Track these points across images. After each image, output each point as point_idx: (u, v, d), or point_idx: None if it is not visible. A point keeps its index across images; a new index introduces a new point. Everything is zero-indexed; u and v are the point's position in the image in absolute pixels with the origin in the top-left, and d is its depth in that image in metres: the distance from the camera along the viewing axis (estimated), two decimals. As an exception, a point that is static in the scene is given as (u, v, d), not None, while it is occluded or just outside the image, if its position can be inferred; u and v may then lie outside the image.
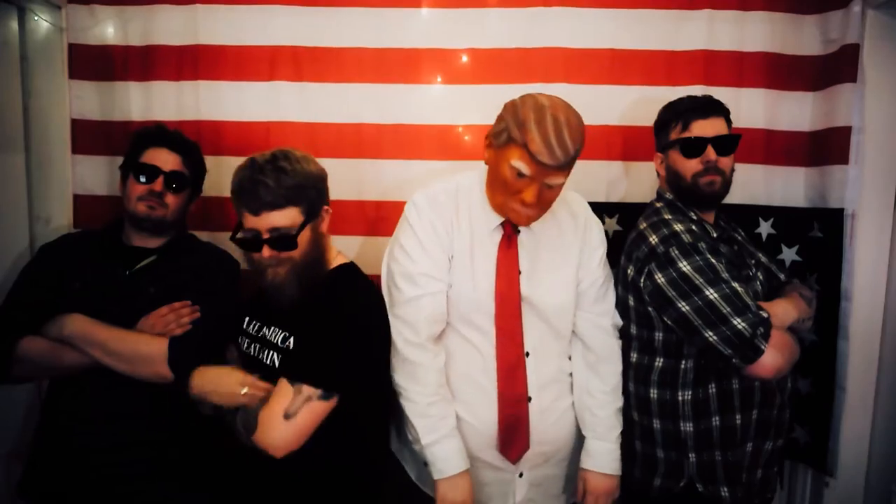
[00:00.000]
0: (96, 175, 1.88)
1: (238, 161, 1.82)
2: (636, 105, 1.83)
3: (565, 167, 1.30)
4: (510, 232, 1.44)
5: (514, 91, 1.77)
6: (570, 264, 1.50)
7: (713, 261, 1.40)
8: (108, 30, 1.85)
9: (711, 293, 1.36)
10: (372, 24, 1.83)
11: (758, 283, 1.53)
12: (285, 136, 1.85)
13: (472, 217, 1.45)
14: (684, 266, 1.40)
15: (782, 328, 1.42)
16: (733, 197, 1.84)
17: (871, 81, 1.75)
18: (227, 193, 1.83)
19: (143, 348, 1.42)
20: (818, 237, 1.80)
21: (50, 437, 1.49)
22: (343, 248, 1.85)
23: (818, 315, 1.79)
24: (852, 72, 1.74)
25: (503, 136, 1.32)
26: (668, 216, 1.52)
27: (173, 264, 1.57)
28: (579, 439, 1.53)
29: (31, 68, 1.83)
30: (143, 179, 1.53)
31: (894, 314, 1.81)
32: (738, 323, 1.34)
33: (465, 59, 1.84)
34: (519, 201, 1.32)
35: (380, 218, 1.86)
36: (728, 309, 1.35)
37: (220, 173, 1.86)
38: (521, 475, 1.47)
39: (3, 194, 1.76)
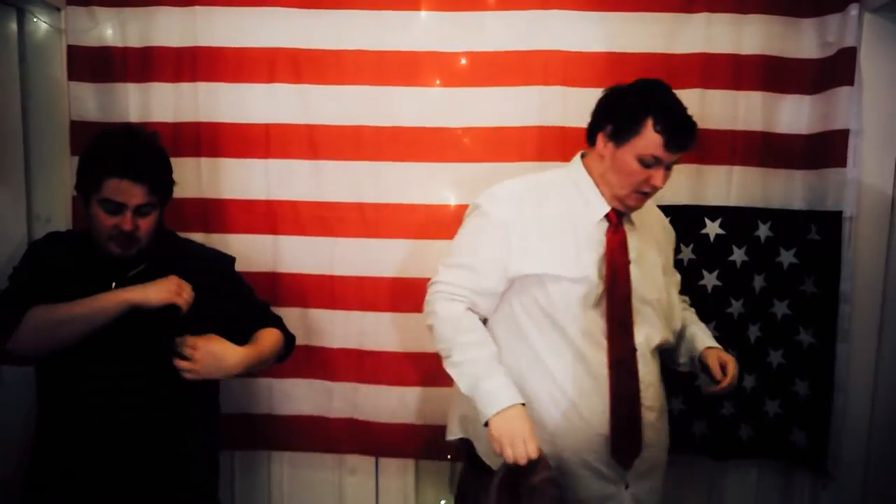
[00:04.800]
0: (95, 177, 1.88)
1: (238, 163, 1.87)
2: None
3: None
4: (616, 221, 1.45)
5: (513, 94, 1.82)
6: (660, 257, 1.54)
7: None
8: (107, 31, 1.84)
9: None
10: (371, 26, 1.83)
11: None
12: (284, 138, 1.85)
13: (571, 209, 1.45)
14: None
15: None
16: (731, 199, 1.85)
17: (869, 84, 1.76)
18: (226, 195, 1.88)
19: (275, 347, 1.58)
20: (816, 240, 1.80)
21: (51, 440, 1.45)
22: (342, 251, 1.87)
23: (817, 317, 1.80)
24: (850, 75, 1.74)
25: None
26: None
27: (167, 268, 1.46)
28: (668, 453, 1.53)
29: (30, 70, 1.83)
30: (107, 212, 1.38)
31: (892, 316, 1.82)
32: None
33: (463, 61, 1.84)
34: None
35: (379, 220, 1.86)
36: None
37: (220, 176, 1.87)
38: (626, 486, 1.42)
39: (2, 195, 1.75)
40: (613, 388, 1.39)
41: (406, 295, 1.86)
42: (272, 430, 1.93)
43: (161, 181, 1.43)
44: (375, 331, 1.88)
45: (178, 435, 1.47)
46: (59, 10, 1.83)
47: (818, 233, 1.80)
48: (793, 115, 1.85)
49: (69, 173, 1.87)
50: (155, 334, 1.40)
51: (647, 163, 1.36)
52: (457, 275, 1.44)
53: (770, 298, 1.86)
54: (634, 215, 1.48)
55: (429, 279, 1.82)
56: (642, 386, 1.41)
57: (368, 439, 1.91)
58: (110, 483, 1.42)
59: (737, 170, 1.84)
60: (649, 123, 1.34)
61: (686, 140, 1.36)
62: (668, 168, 1.38)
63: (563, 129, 1.83)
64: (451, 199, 1.86)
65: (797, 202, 1.86)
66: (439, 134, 1.85)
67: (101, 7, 1.84)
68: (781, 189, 1.86)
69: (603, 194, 1.44)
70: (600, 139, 1.42)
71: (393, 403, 1.89)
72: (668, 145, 1.34)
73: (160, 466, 1.45)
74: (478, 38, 1.83)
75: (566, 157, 1.81)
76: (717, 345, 1.55)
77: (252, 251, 1.86)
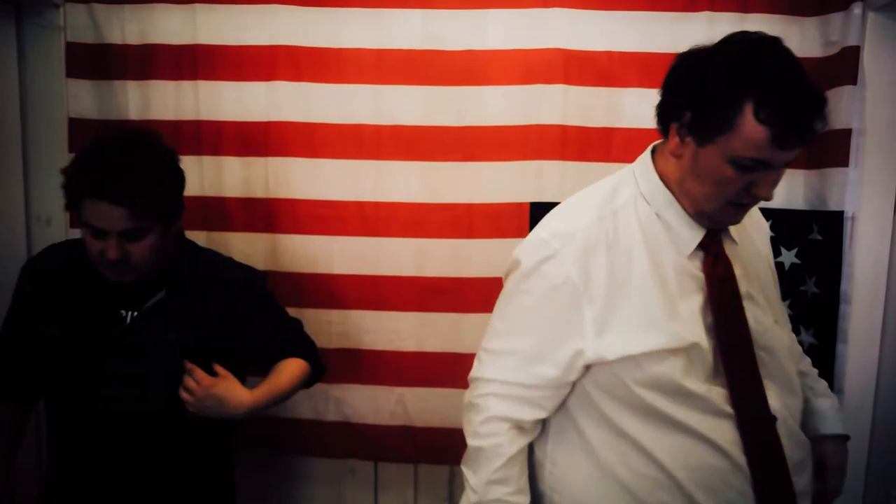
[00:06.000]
0: (94, 175, 1.87)
1: (237, 161, 1.86)
2: (636, 107, 1.81)
3: None
4: (715, 249, 1.04)
5: (514, 92, 1.81)
6: (767, 267, 1.15)
7: None
8: (106, 29, 1.83)
9: None
10: (372, 24, 1.82)
11: None
12: (284, 136, 1.84)
13: (650, 240, 1.03)
14: None
15: None
16: (733, 199, 1.85)
17: (872, 83, 1.75)
18: (227, 193, 1.87)
19: (296, 382, 1.44)
20: (818, 240, 1.80)
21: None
22: (341, 249, 1.86)
23: (818, 318, 1.79)
24: (852, 74, 1.73)
25: None
26: None
27: (191, 296, 1.32)
28: None
29: (28, 67, 1.82)
30: (92, 236, 1.20)
31: (894, 317, 1.81)
32: None
33: (464, 60, 1.83)
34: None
35: (379, 219, 1.86)
36: None
37: (221, 173, 1.86)
38: None
39: (0, 193, 1.75)
40: (756, 480, 0.99)
41: (406, 294, 1.85)
42: (269, 433, 1.92)
43: (152, 201, 1.20)
44: (375, 330, 1.87)
45: (189, 458, 1.36)
46: (57, 6, 1.82)
47: (820, 233, 1.80)
48: (795, 114, 1.84)
49: (68, 171, 1.87)
50: (169, 366, 1.28)
51: (744, 166, 0.93)
52: (506, 368, 1.06)
53: (771, 298, 1.85)
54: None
55: (427, 278, 1.85)
56: (792, 469, 1.02)
57: (366, 443, 1.91)
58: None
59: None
60: (748, 110, 0.90)
61: (807, 131, 0.92)
62: (779, 168, 0.96)
63: (564, 127, 1.81)
64: (452, 198, 1.85)
65: (798, 202, 1.85)
66: (440, 132, 1.84)
67: (100, 4, 1.83)
68: (783, 188, 1.84)
69: (685, 209, 1.03)
70: (674, 132, 1.00)
71: (391, 405, 1.88)
72: (779, 141, 0.90)
73: (171, 489, 1.35)
74: (479, 36, 1.82)
75: (566, 157, 1.82)
76: (837, 429, 1.16)
77: (251, 249, 1.85)
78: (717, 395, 1.00)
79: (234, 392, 1.29)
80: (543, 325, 1.03)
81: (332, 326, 1.87)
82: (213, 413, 1.27)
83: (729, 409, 1.00)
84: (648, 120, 1.79)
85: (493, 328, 1.11)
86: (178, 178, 1.30)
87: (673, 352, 0.98)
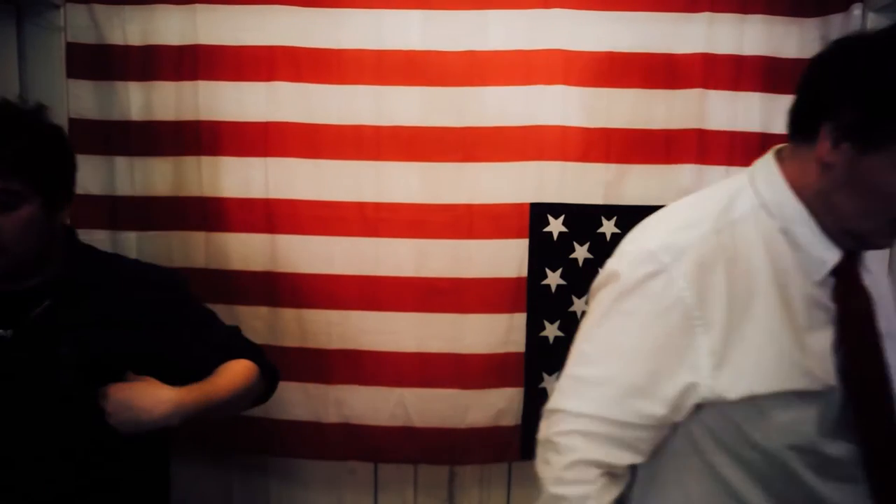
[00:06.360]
0: (94, 175, 1.87)
1: (237, 161, 1.86)
2: (635, 108, 1.81)
3: None
4: (852, 276, 0.89)
5: (515, 93, 1.81)
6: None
7: None
8: (107, 29, 1.83)
9: None
10: (372, 25, 1.82)
11: None
12: (284, 137, 1.84)
13: (774, 260, 0.87)
14: None
15: None
16: (733, 200, 1.85)
17: (871, 85, 1.75)
18: (227, 193, 1.87)
19: (240, 382, 1.22)
20: (817, 241, 1.79)
21: None
22: (341, 249, 1.86)
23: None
24: (852, 75, 1.74)
25: None
26: None
27: (87, 302, 1.13)
28: None
29: (28, 67, 1.82)
30: None
31: (893, 318, 1.81)
32: None
33: (464, 61, 1.83)
34: None
35: (379, 220, 1.86)
36: None
37: (220, 173, 1.86)
38: None
39: (0, 194, 1.75)
40: None
41: (406, 295, 1.86)
42: (268, 436, 1.92)
43: (23, 160, 1.04)
44: (375, 330, 1.87)
45: (107, 497, 1.17)
46: (58, 7, 1.82)
47: (820, 234, 1.79)
48: (794, 115, 1.84)
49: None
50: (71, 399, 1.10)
51: None
52: (596, 400, 0.88)
53: (771, 299, 1.85)
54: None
55: (427, 279, 1.85)
56: None
57: (366, 444, 1.91)
58: None
59: (737, 171, 1.83)
60: None
61: None
62: None
63: (564, 128, 1.82)
64: (452, 199, 1.85)
65: (799, 203, 1.85)
66: (440, 133, 1.84)
67: (100, 4, 1.83)
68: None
69: (823, 226, 0.87)
70: (826, 137, 0.84)
71: (391, 406, 1.88)
72: None
73: None
74: (479, 37, 1.82)
75: (566, 158, 1.83)
76: None
77: (250, 250, 1.85)
78: (846, 453, 0.84)
79: (146, 393, 1.09)
80: (646, 352, 0.87)
81: (332, 327, 1.88)
82: (134, 425, 1.08)
83: (859, 473, 0.84)
84: (648, 120, 1.80)
85: (580, 352, 0.92)
86: (60, 146, 1.15)
87: (804, 396, 0.83)
